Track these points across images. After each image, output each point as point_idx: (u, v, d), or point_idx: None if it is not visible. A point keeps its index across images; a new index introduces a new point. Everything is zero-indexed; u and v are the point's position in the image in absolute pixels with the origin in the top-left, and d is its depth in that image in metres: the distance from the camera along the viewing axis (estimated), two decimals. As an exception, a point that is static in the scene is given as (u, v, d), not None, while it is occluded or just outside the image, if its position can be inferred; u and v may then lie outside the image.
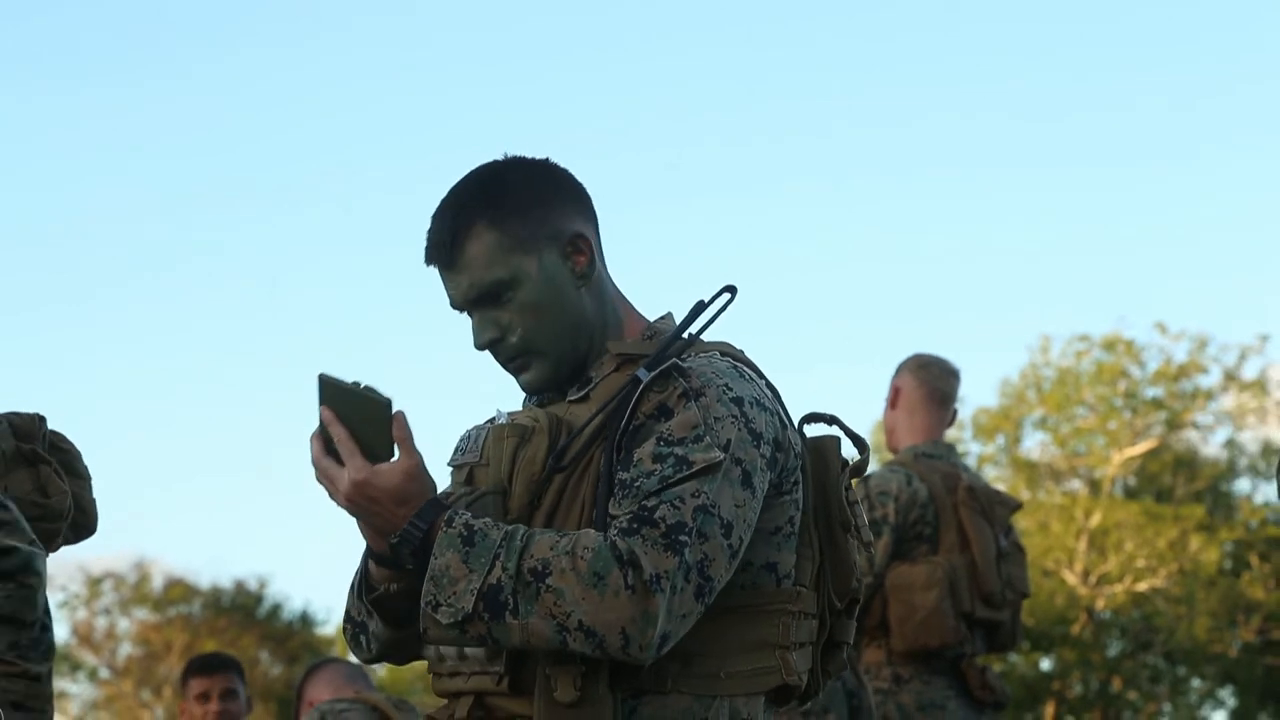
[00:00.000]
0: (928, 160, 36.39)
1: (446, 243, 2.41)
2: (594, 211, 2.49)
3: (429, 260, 2.44)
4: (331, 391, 2.30)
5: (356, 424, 2.29)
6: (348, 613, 2.47)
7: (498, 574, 2.18)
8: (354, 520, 2.36)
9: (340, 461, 2.29)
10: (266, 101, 39.59)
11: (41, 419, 3.47)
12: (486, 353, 2.46)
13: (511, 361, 2.44)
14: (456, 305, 2.45)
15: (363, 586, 2.41)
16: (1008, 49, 35.50)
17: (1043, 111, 35.56)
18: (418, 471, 2.28)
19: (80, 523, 3.53)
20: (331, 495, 2.33)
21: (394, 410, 2.29)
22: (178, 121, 39.14)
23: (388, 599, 2.38)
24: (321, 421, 2.31)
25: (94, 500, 3.57)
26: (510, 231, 2.40)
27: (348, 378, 2.33)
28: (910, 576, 5.04)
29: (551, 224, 2.42)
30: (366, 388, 2.30)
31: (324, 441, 2.31)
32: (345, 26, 38.86)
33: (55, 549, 3.43)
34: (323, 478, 2.31)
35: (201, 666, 5.95)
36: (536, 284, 2.40)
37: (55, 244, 39.12)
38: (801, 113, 36.78)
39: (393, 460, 2.28)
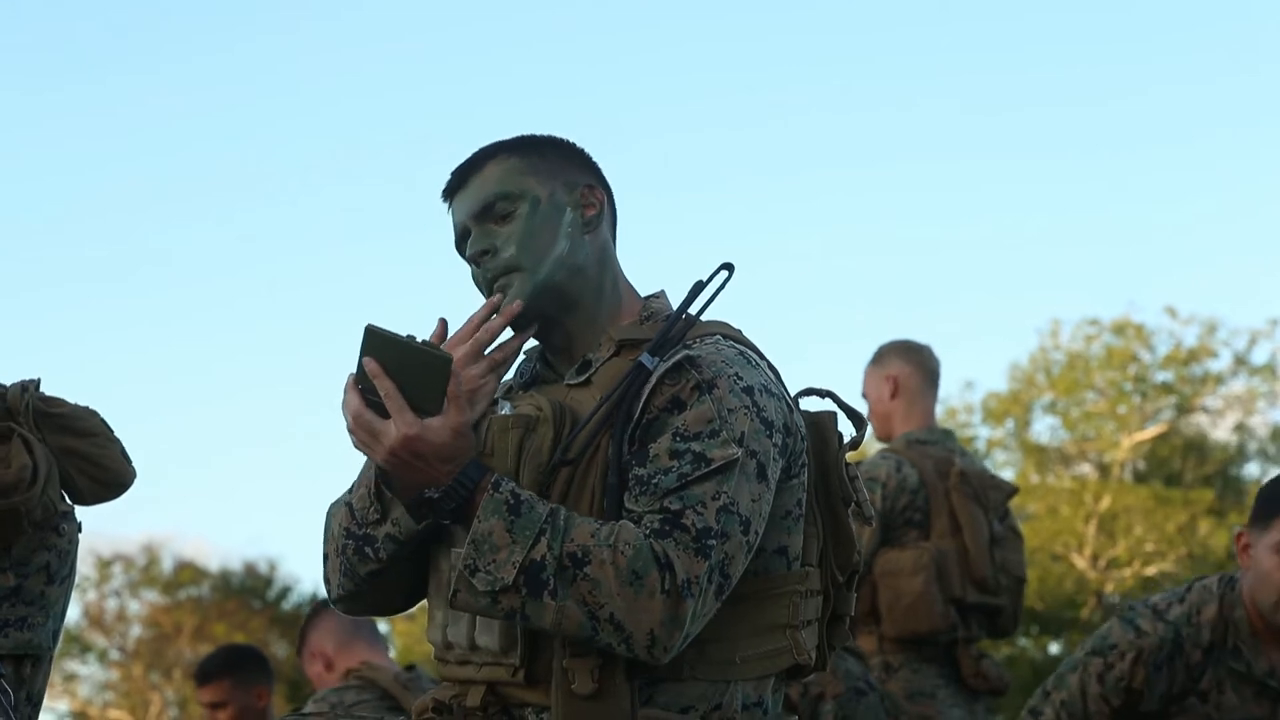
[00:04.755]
0: (938, 145, 36.35)
1: (466, 168, 2.47)
2: (614, 199, 2.54)
3: (446, 190, 2.49)
4: (379, 343, 2.26)
5: (404, 378, 2.25)
6: (345, 529, 2.43)
7: (542, 550, 2.18)
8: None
9: (380, 413, 2.27)
10: (273, 87, 39.59)
11: (24, 387, 3.49)
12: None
13: (496, 281, 2.44)
14: (459, 232, 2.48)
15: (379, 488, 2.39)
16: (1015, 34, 35.45)
17: (1051, 96, 35.52)
18: (466, 429, 2.27)
19: (104, 479, 3.57)
20: (368, 448, 2.29)
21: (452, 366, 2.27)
22: (195, 101, 39.14)
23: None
24: (363, 372, 2.27)
25: (119, 452, 3.59)
26: (529, 162, 2.46)
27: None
28: (898, 562, 5.02)
29: (570, 172, 2.48)
30: (424, 342, 2.28)
31: (361, 392, 2.28)
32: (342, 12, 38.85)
33: (41, 516, 3.43)
34: (362, 430, 2.28)
35: (196, 675, 5.69)
36: (541, 210, 2.44)
37: (49, 232, 39.16)
38: (808, 100, 36.75)
39: (441, 416, 2.26)
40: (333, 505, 2.48)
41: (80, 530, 3.57)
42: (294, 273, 39.24)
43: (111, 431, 3.60)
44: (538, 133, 2.52)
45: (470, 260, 2.47)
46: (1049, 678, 4.07)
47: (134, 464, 3.62)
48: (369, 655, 4.81)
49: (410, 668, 4.82)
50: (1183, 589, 4.05)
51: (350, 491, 2.45)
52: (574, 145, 2.53)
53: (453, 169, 2.49)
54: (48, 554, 3.49)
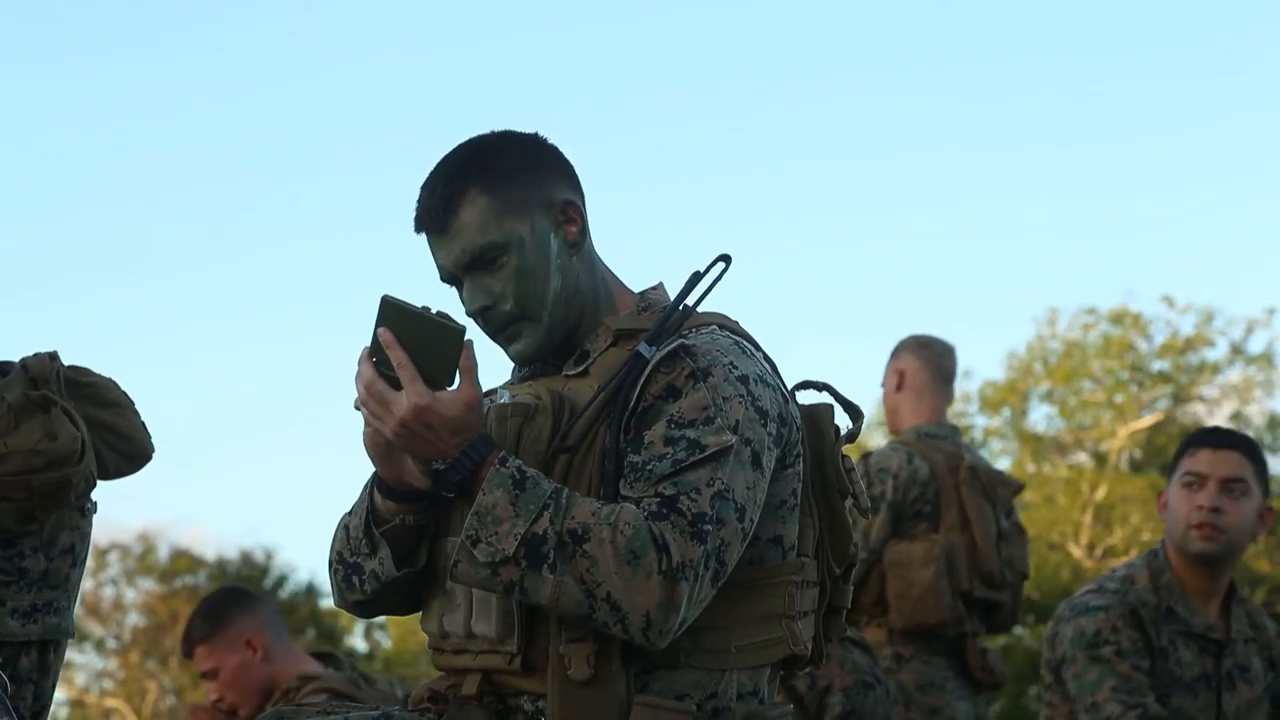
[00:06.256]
0: (936, 135, 36.34)
1: (439, 209, 2.40)
2: (581, 187, 2.50)
3: (419, 228, 2.44)
4: (394, 314, 2.26)
5: (418, 349, 2.25)
6: (339, 554, 2.45)
7: (544, 525, 2.18)
8: (378, 456, 2.34)
9: (393, 384, 2.26)
10: (277, 74, 39.57)
11: (53, 356, 3.43)
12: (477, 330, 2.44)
13: (503, 331, 2.43)
14: (446, 274, 2.45)
15: (370, 521, 2.39)
16: (1013, 24, 35.42)
17: (1049, 86, 35.50)
18: (477, 403, 2.27)
19: (128, 450, 3.53)
20: (378, 419, 2.28)
21: (466, 338, 2.26)
22: (192, 91, 39.13)
23: (398, 532, 2.37)
24: (378, 343, 2.26)
25: (141, 425, 3.55)
26: (503, 197, 2.40)
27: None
28: (908, 553, 5.05)
29: (543, 191, 2.42)
30: (439, 313, 2.27)
31: (375, 365, 2.27)
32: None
33: (83, 490, 3.40)
34: (373, 401, 2.27)
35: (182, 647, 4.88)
36: (529, 249, 2.40)
37: (48, 220, 39.14)
38: (805, 90, 36.72)
39: (453, 389, 2.26)
40: (342, 517, 2.47)
41: (95, 510, 3.54)
42: (291, 261, 39.23)
43: (132, 402, 3.56)
44: (489, 133, 2.46)
45: (471, 315, 2.44)
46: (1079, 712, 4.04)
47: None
48: (303, 663, 4.58)
49: (326, 656, 4.68)
50: (1107, 573, 4.15)
51: (351, 513, 2.45)
52: (535, 144, 2.47)
53: (420, 206, 2.42)
54: (72, 536, 3.46)
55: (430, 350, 2.26)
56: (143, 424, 3.55)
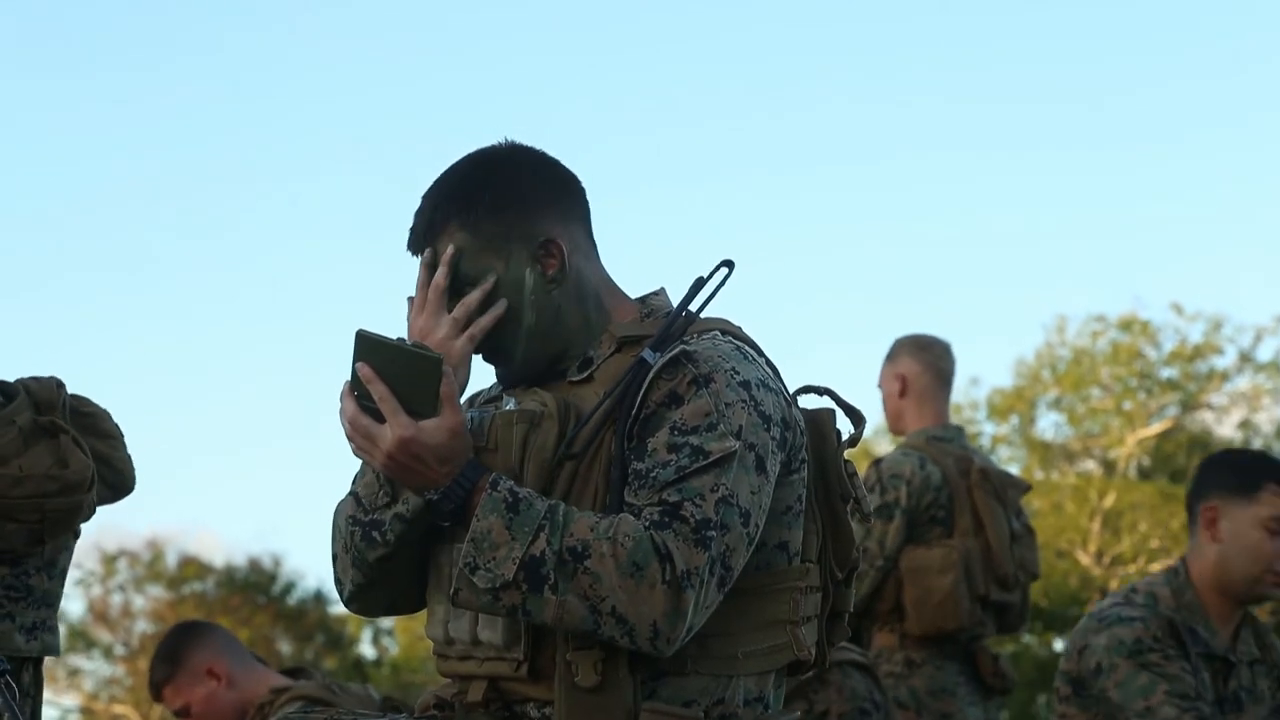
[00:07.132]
0: (943, 140, 36.32)
1: (422, 235, 2.45)
2: (583, 203, 2.51)
3: (408, 248, 2.48)
4: (371, 348, 2.28)
5: (397, 381, 2.27)
6: (351, 518, 2.41)
7: (541, 546, 2.19)
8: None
9: (375, 418, 2.28)
10: (276, 82, 39.61)
11: (60, 384, 3.48)
12: None
13: (478, 355, 2.46)
14: None
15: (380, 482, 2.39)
16: (1019, 29, 35.41)
17: (1058, 91, 35.49)
18: (462, 429, 2.29)
19: (115, 482, 3.58)
20: (366, 453, 2.31)
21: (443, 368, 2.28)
22: (201, 95, 39.17)
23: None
24: (356, 378, 2.28)
25: (128, 458, 3.60)
26: (481, 233, 2.42)
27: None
28: (926, 560, 5.03)
29: (525, 226, 2.43)
30: (415, 344, 2.29)
31: (357, 399, 2.30)
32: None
33: (87, 517, 3.45)
34: (359, 435, 2.30)
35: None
36: (501, 288, 2.42)
37: (56, 226, 39.18)
38: (811, 94, 36.73)
39: (436, 418, 2.27)
40: (339, 503, 2.48)
41: (80, 535, 3.59)
42: (295, 264, 39.24)
43: (123, 434, 3.61)
44: (488, 151, 2.47)
45: None
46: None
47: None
48: (270, 678, 4.55)
49: (296, 670, 4.68)
50: (1124, 590, 4.08)
51: (355, 482, 2.45)
52: (530, 169, 2.47)
53: (411, 228, 2.47)
54: (65, 558, 3.51)
55: (410, 381, 2.27)
56: (129, 456, 3.60)
